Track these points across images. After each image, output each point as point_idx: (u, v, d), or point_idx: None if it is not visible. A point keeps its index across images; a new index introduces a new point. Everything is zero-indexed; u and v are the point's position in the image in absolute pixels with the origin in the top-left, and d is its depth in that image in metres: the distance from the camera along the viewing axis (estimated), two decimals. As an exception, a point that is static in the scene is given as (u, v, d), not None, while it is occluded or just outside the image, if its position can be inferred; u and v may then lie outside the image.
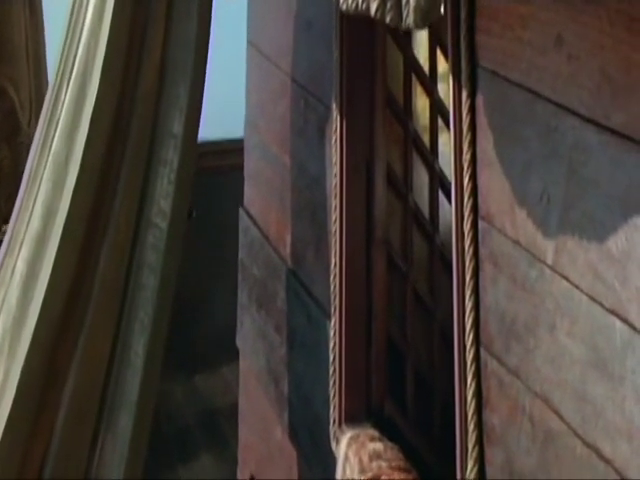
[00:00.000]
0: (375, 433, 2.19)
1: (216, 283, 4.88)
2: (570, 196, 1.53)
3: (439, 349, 2.51)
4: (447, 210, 2.49)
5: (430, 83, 2.56)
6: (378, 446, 2.11)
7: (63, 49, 2.33)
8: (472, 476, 1.74)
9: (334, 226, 2.33)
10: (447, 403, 2.41)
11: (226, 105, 3.84)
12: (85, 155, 2.14)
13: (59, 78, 2.34)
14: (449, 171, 2.42)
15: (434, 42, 2.56)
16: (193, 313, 4.72)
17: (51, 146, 2.22)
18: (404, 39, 2.48)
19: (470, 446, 1.76)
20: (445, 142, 2.57)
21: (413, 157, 2.49)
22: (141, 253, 2.12)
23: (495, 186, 1.74)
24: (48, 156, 2.20)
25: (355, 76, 2.36)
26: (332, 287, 2.31)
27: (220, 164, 4.74)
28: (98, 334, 2.07)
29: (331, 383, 2.28)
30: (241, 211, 3.08)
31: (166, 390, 4.34)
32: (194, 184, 2.46)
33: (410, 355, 2.42)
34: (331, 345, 2.29)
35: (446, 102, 2.53)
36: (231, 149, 4.29)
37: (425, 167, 2.54)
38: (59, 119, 2.24)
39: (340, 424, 2.23)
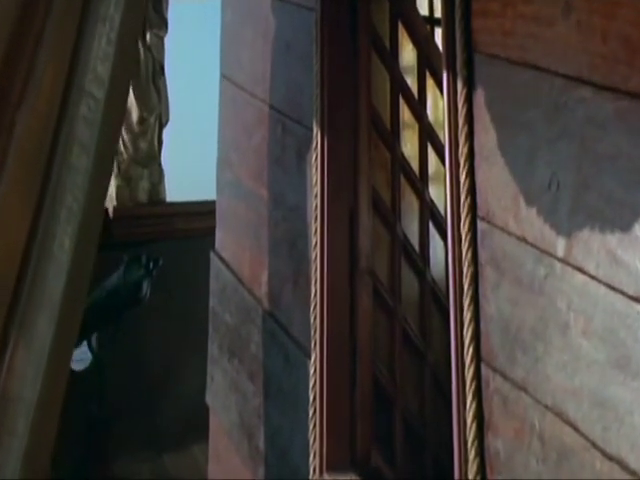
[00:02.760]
0: (360, 481, 2.01)
1: (186, 359, 4.70)
2: (583, 178, 1.42)
3: (431, 395, 2.36)
4: (439, 245, 2.38)
5: (419, 107, 2.48)
6: (364, 493, 1.94)
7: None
8: (475, 510, 1.57)
9: (315, 256, 2.20)
10: (440, 457, 2.25)
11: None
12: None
13: None
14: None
15: (423, 64, 2.49)
16: (162, 389, 4.54)
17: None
18: (390, 58, 2.40)
19: (471, 476, 1.59)
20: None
21: (401, 183, 2.38)
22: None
23: (495, 181, 1.62)
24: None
25: (337, 94, 2.27)
26: (312, 320, 2.16)
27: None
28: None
29: (311, 427, 2.11)
30: (212, 255, 2.95)
31: (133, 470, 4.13)
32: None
33: (399, 400, 2.27)
34: (311, 384, 2.13)
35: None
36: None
37: (414, 195, 2.43)
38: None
39: (321, 473, 2.05)
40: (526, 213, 1.54)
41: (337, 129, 2.24)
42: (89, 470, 4.04)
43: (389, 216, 2.32)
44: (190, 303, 4.08)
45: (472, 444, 1.60)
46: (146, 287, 3.21)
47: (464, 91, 1.68)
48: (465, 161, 1.67)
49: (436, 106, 2.54)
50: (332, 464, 2.07)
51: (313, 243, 2.20)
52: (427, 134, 2.46)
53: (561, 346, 1.44)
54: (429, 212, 2.44)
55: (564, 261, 1.44)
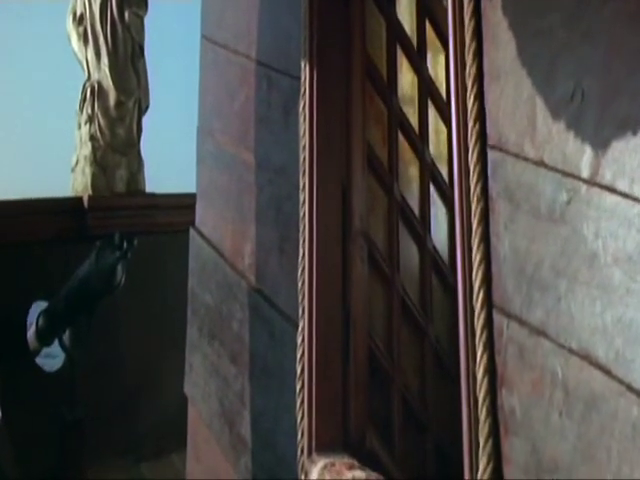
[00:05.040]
0: (354, 462, 1.83)
1: (166, 361, 4.53)
2: (612, 83, 1.26)
3: (432, 374, 2.19)
4: (441, 211, 2.23)
5: (418, 59, 2.32)
6: (359, 474, 1.76)
7: None
8: (486, 476, 1.39)
9: (303, 214, 2.03)
10: (442, 441, 2.09)
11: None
12: None
13: None
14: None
15: (423, 12, 2.33)
16: (140, 393, 4.37)
17: None
18: (387, 2, 2.25)
19: (482, 439, 1.42)
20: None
21: (398, 140, 2.22)
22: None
23: (508, 102, 1.46)
24: None
25: (327, 38, 2.11)
26: (300, 285, 1.99)
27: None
28: None
29: (298, 402, 1.93)
30: (192, 232, 2.78)
31: (112, 478, 3.94)
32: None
33: (397, 378, 2.09)
34: (298, 354, 1.95)
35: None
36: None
37: (413, 154, 2.27)
38: None
39: (310, 453, 1.87)
40: (545, 133, 1.38)
41: (327, 77, 2.08)
42: (60, 479, 3.85)
43: (385, 176, 2.16)
44: (171, 301, 3.91)
45: (483, 402, 1.43)
46: (121, 272, 3.01)
47: (471, 3, 1.52)
48: (473, 83, 1.51)
49: (437, 62, 2.38)
50: (322, 444, 1.89)
51: (301, 202, 2.03)
52: (427, 87, 2.30)
53: (588, 280, 1.28)
54: (430, 174, 2.27)
55: (590, 182, 1.29)
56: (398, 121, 2.20)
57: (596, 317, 1.25)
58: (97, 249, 3.13)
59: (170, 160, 4.54)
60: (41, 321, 3.27)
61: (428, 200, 2.26)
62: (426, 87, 2.29)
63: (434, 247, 2.26)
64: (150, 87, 4.47)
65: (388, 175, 2.16)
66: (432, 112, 2.32)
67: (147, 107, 4.43)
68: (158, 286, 4.36)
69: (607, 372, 1.22)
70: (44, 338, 3.36)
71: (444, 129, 2.33)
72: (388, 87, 2.20)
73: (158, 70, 4.53)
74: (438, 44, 2.36)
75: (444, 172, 2.32)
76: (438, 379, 2.19)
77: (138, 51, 4.27)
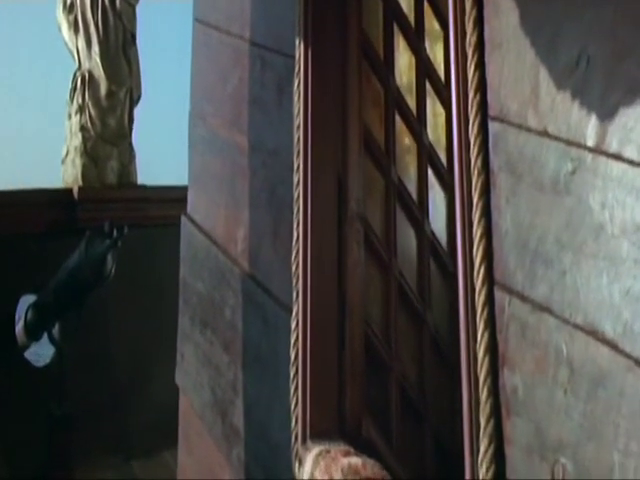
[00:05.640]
0: (350, 449, 1.79)
1: (158, 357, 4.48)
2: (619, 46, 1.22)
3: (431, 362, 2.14)
4: (439, 196, 2.19)
5: (416, 38, 2.28)
6: (355, 461, 1.71)
7: None
8: (487, 458, 1.35)
9: (297, 196, 1.99)
10: (440, 431, 2.04)
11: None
12: None
13: None
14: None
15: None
16: (131, 389, 4.33)
17: None
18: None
19: (483, 420, 1.38)
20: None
21: (395, 121, 2.17)
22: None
23: (510, 71, 1.42)
24: None
25: (323, 15, 2.06)
26: (294, 269, 1.95)
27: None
28: None
29: (292, 389, 1.89)
30: (183, 219, 2.74)
31: (97, 477, 3.90)
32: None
33: (395, 366, 2.05)
34: (292, 339, 1.91)
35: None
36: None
37: (411, 137, 2.23)
38: None
39: (305, 440, 1.83)
40: (548, 102, 1.34)
41: (322, 55, 2.04)
42: (50, 476, 3.80)
43: (382, 158, 2.12)
44: (163, 296, 3.86)
45: (484, 382, 1.39)
46: (111, 262, 2.97)
47: (472, -33, 1.48)
48: (474, 52, 1.47)
49: (435, 43, 2.34)
50: (317, 432, 1.85)
51: (295, 183, 1.99)
52: (425, 68, 2.26)
53: (594, 252, 1.24)
54: (427, 156, 2.23)
55: (596, 150, 1.25)
56: (395, 103, 2.16)
57: (603, 290, 1.21)
58: (86, 238, 3.08)
59: (163, 152, 4.50)
60: (30, 315, 3.21)
61: (426, 184, 2.22)
62: (424, 68, 2.24)
63: (432, 232, 2.22)
64: (142, 77, 4.42)
65: (385, 157, 2.12)
66: (430, 95, 2.28)
67: (139, 97, 4.38)
68: (150, 281, 4.32)
69: (614, 347, 1.19)
70: (33, 332, 3.31)
71: (442, 112, 2.29)
72: (385, 67, 2.15)
73: (151, 60, 4.49)
74: (437, 26, 2.32)
75: (442, 157, 2.28)
76: (436, 368, 2.15)
77: (130, 39, 4.23)
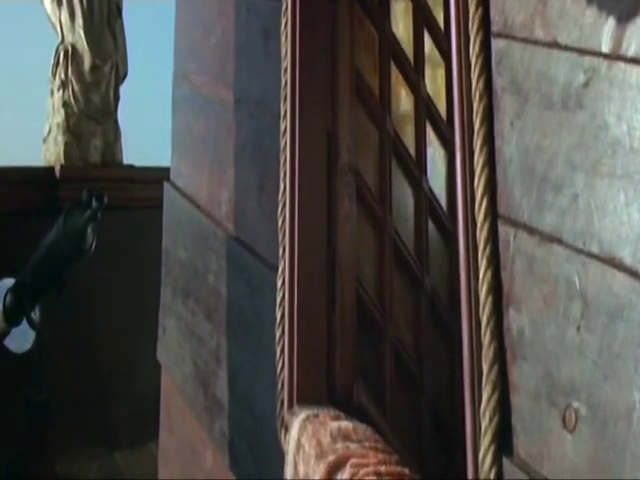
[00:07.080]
0: (341, 413, 1.66)
1: (143, 344, 4.37)
2: None
3: (428, 328, 2.02)
4: (438, 153, 2.07)
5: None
6: (345, 424, 1.59)
7: None
8: (490, 407, 1.22)
9: (284, 145, 1.87)
10: (437, 399, 1.92)
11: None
12: None
13: None
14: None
15: None
16: (114, 377, 4.22)
17: None
18: None
19: (486, 366, 1.25)
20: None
21: (391, 68, 2.05)
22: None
23: (515, -21, 1.30)
24: None
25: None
26: (280, 222, 1.83)
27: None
28: None
29: (278, 351, 1.77)
30: (166, 186, 2.62)
31: (80, 468, 3.77)
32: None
33: (389, 329, 1.92)
34: (278, 298, 1.79)
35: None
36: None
37: (408, 87, 2.10)
38: None
39: (291, 405, 1.71)
40: (558, 8, 1.22)
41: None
42: (28, 467, 3.67)
43: (376, 107, 2.00)
44: (148, 281, 3.74)
45: (487, 325, 1.26)
46: (92, 235, 2.85)
47: None
48: (474, -38, 1.35)
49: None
50: (305, 396, 1.73)
51: (281, 131, 1.87)
52: (423, 15, 2.14)
53: (610, 170, 1.11)
54: (425, 108, 2.11)
55: (612, 57, 1.12)
56: (390, 48, 2.04)
57: (620, 212, 1.09)
58: (65, 212, 2.96)
59: (150, 131, 4.38)
60: (8, 299, 3.09)
61: (424, 139, 2.10)
62: (422, 15, 2.12)
63: (431, 191, 2.09)
64: (130, 54, 4.30)
65: (379, 107, 2.00)
66: (429, 43, 2.16)
67: (125, 74, 4.26)
68: (135, 264, 4.20)
69: (633, 274, 1.06)
70: (12, 317, 3.19)
71: (442, 62, 2.17)
72: (379, 9, 2.03)
73: (138, 36, 4.37)
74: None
75: (442, 110, 2.16)
76: (434, 335, 2.03)
77: (115, 11, 4.11)
